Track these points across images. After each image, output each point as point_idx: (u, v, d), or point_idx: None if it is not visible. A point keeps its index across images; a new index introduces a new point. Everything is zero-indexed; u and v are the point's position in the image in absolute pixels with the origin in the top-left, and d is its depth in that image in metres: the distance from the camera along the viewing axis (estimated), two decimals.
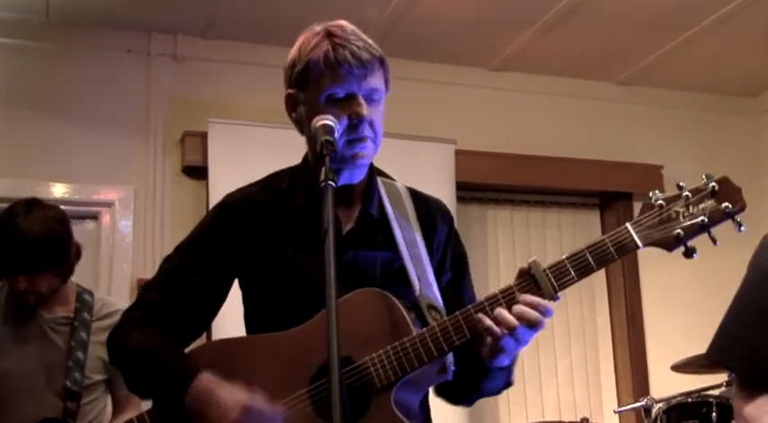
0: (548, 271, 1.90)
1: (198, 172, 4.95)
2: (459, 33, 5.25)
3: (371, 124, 2.06)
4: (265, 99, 4.94)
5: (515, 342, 1.90)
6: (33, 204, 3.18)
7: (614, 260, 1.88)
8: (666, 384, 4.93)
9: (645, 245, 1.88)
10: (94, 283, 4.61)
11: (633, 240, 1.87)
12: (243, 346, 2.08)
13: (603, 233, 6.38)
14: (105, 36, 5.03)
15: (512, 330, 1.87)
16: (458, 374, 2.03)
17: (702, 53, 5.56)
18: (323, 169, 1.83)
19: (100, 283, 4.68)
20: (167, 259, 2.21)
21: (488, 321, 1.89)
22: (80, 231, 4.38)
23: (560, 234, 5.85)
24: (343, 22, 2.11)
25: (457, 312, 1.93)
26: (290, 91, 2.14)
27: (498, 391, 2.14)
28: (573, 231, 5.88)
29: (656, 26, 5.23)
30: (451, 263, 2.23)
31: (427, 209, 2.25)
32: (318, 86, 2.05)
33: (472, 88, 5.73)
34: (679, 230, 1.86)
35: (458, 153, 5.34)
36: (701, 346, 4.25)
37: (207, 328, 2.24)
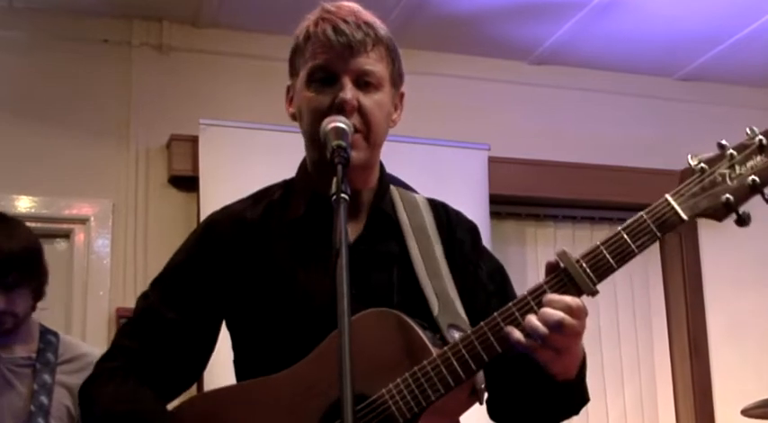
0: (581, 261, 1.87)
1: (187, 182, 4.96)
2: (493, 20, 5.25)
3: (362, 113, 2.05)
4: (265, 97, 4.97)
5: (554, 352, 1.86)
6: None
7: (656, 239, 1.86)
8: None
9: (690, 217, 1.85)
10: (66, 313, 4.60)
11: (676, 213, 1.85)
12: (234, 396, 2.06)
13: (662, 252, 6.31)
14: (79, 24, 5.04)
15: (545, 340, 1.83)
16: (519, 395, 2.04)
17: None
18: (334, 180, 1.82)
19: (73, 312, 4.66)
20: (144, 295, 2.22)
21: (517, 334, 1.85)
22: (49, 252, 4.28)
23: None
24: (351, 3, 2.13)
25: (482, 323, 1.90)
26: (288, 82, 2.18)
27: (575, 411, 2.10)
28: None
29: (725, 11, 5.21)
30: (489, 277, 2.23)
31: (448, 219, 2.26)
32: (303, 67, 2.09)
33: (508, 85, 5.74)
34: (727, 195, 1.83)
35: (491, 161, 5.34)
36: None
37: (198, 375, 2.24)
